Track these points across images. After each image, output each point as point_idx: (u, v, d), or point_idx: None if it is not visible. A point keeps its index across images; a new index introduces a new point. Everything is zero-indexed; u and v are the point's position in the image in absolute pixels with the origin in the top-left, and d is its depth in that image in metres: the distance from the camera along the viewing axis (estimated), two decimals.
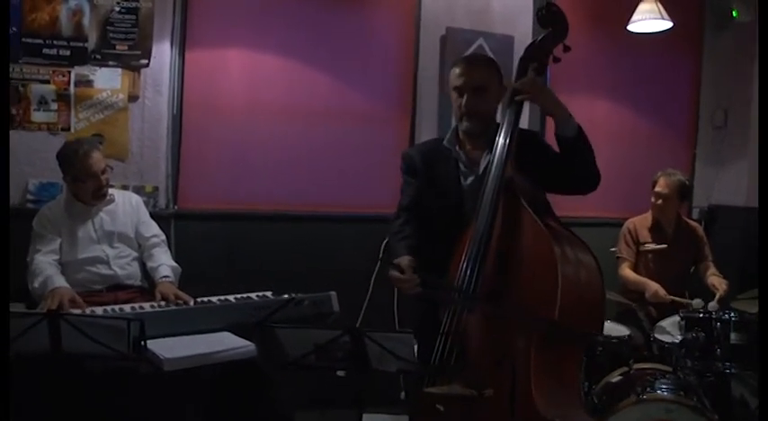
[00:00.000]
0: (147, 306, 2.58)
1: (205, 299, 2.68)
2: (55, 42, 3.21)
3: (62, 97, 3.23)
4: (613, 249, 3.63)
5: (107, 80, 3.29)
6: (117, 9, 3.28)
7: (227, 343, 2.39)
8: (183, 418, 2.52)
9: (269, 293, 2.75)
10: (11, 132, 3.05)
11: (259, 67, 3.58)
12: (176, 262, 2.94)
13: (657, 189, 3.54)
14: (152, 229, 2.99)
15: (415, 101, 3.84)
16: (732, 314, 2.86)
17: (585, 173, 2.20)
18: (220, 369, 2.38)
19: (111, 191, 2.92)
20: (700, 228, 3.70)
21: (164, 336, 2.34)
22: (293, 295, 2.66)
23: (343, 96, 3.74)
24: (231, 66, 3.54)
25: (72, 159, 2.78)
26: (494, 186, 2.09)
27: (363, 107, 3.78)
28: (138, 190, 3.31)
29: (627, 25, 3.82)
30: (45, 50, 3.19)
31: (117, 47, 3.29)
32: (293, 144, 3.65)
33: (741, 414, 3.12)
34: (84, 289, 2.74)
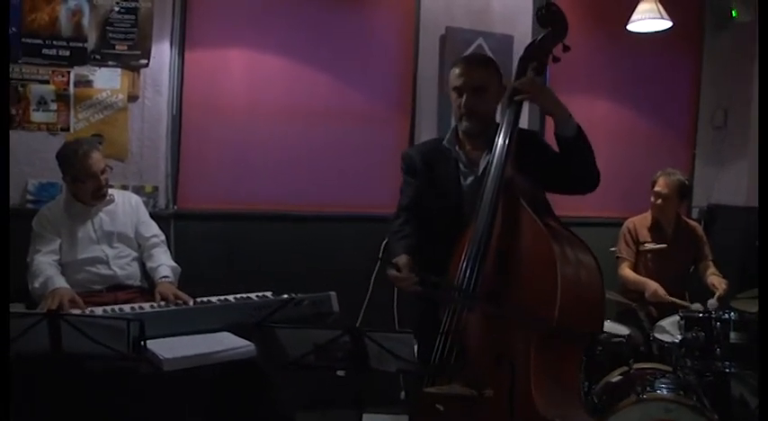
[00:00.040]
0: (146, 306, 2.58)
1: (205, 299, 2.68)
2: (54, 42, 3.21)
3: (61, 97, 3.23)
4: (613, 249, 3.63)
5: (106, 80, 3.29)
6: (116, 9, 3.28)
7: (226, 343, 2.39)
8: (183, 418, 2.53)
9: (269, 293, 2.75)
10: (10, 132, 3.05)
11: (259, 67, 3.58)
12: (176, 262, 2.94)
13: (657, 189, 3.54)
14: (152, 229, 2.99)
15: (415, 101, 3.84)
16: (732, 313, 2.86)
17: (585, 172, 2.20)
18: (220, 369, 2.38)
19: (110, 191, 2.92)
20: (699, 228, 3.70)
21: (163, 336, 2.34)
22: (293, 295, 2.66)
23: (343, 96, 3.74)
24: (231, 66, 3.54)
25: (71, 159, 2.78)
26: (493, 186, 2.09)
27: (363, 107, 3.78)
28: (138, 190, 3.31)
29: (626, 25, 3.82)
30: (44, 51, 3.19)
31: (116, 47, 3.29)
32: (293, 144, 3.65)
33: (741, 413, 3.12)
34: (84, 289, 2.73)
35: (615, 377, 2.83)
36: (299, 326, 2.12)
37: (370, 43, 3.79)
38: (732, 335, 2.81)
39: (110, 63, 3.29)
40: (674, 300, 3.28)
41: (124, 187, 3.25)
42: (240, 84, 3.55)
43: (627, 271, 3.55)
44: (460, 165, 2.33)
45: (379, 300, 3.54)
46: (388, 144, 3.76)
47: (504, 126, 2.17)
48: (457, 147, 2.33)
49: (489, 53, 3.73)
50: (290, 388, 2.74)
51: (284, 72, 3.62)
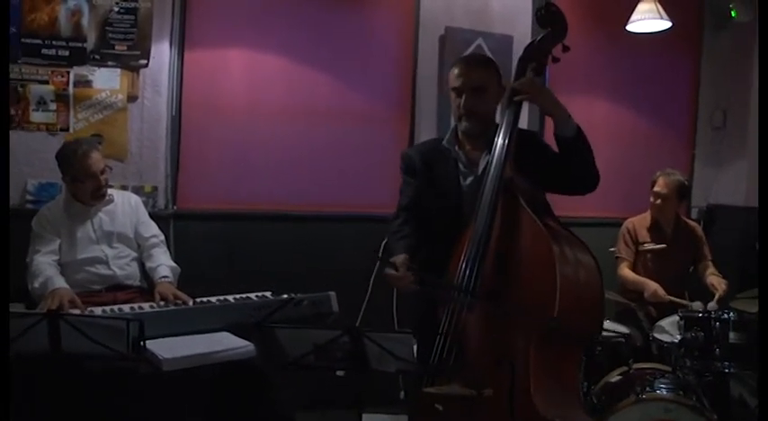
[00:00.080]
0: (146, 306, 2.58)
1: (204, 299, 2.68)
2: (54, 43, 3.21)
3: (61, 97, 3.23)
4: (612, 249, 3.63)
5: (106, 80, 3.29)
6: (116, 9, 3.28)
7: (226, 343, 2.39)
8: (183, 418, 2.52)
9: (268, 293, 2.75)
10: (10, 133, 3.05)
11: (259, 67, 3.58)
12: (175, 262, 2.94)
13: (656, 189, 3.54)
14: (151, 230, 2.99)
15: (415, 101, 3.84)
16: (731, 313, 2.86)
17: (585, 173, 2.20)
18: (219, 369, 2.38)
19: (110, 191, 2.91)
20: (699, 228, 3.71)
21: (163, 336, 2.34)
22: (292, 295, 2.66)
23: (343, 96, 3.74)
24: (231, 66, 3.54)
25: (71, 159, 2.78)
26: (493, 187, 2.10)
27: (363, 107, 3.78)
28: (138, 190, 3.31)
29: (626, 25, 3.82)
30: (44, 51, 3.19)
31: (116, 47, 3.29)
32: (293, 144, 3.65)
33: (740, 413, 3.13)
34: (84, 289, 2.73)
35: (614, 377, 2.84)
36: (298, 327, 2.12)
37: (370, 43, 3.79)
38: (731, 335, 2.82)
39: (109, 63, 3.29)
40: (673, 298, 3.29)
41: (124, 187, 3.25)
42: (240, 84, 3.55)
43: (626, 271, 3.55)
44: (460, 166, 2.33)
45: (378, 300, 3.54)
46: (388, 144, 3.76)
47: (503, 126, 2.18)
48: (456, 148, 2.33)
49: (489, 53, 3.73)
50: (289, 388, 2.74)
51: (284, 72, 3.62)
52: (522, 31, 3.92)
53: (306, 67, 3.66)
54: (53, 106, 3.22)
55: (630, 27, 3.82)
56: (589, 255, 2.06)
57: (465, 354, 2.06)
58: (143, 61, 3.34)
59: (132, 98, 3.35)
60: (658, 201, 3.54)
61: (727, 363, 2.81)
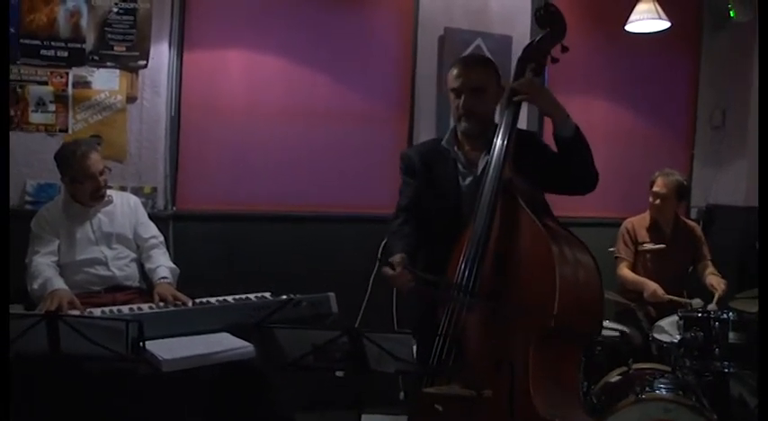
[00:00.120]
0: (145, 307, 2.58)
1: (203, 300, 2.68)
2: (53, 43, 3.21)
3: (60, 98, 3.23)
4: (612, 249, 3.64)
5: (105, 81, 3.29)
6: (115, 10, 3.28)
7: (225, 344, 2.39)
8: (182, 419, 2.52)
9: (267, 294, 2.75)
10: (9, 133, 3.05)
11: (258, 67, 3.58)
12: (175, 263, 2.94)
13: (655, 189, 3.55)
14: (150, 230, 2.99)
15: (414, 101, 3.84)
16: (731, 313, 2.86)
17: (584, 173, 2.21)
18: (219, 370, 2.38)
19: (109, 192, 2.91)
20: (698, 228, 3.71)
21: (162, 337, 2.33)
22: (292, 296, 2.66)
23: (343, 97, 3.74)
24: (230, 66, 3.54)
25: (70, 160, 2.77)
26: (492, 187, 2.09)
27: (362, 107, 3.78)
28: (137, 191, 3.31)
29: (625, 25, 3.82)
30: (43, 51, 3.19)
31: (115, 48, 3.29)
32: (292, 144, 3.65)
33: (740, 413, 3.13)
34: (83, 290, 2.73)
35: (614, 377, 2.84)
36: (297, 327, 2.12)
37: (370, 44, 3.79)
38: (731, 335, 2.81)
39: (108, 64, 3.29)
40: (673, 298, 3.29)
41: (123, 188, 3.25)
42: (239, 84, 3.55)
43: (625, 271, 3.55)
44: (459, 166, 2.32)
45: (378, 300, 3.54)
46: (387, 144, 3.76)
47: (502, 126, 2.17)
48: (456, 148, 2.33)
49: (488, 54, 3.73)
50: (288, 388, 2.74)
51: (283, 73, 3.62)
52: (521, 31, 3.92)
53: (305, 68, 3.66)
54: (52, 107, 3.22)
55: (629, 27, 3.82)
56: (588, 256, 2.06)
57: (464, 355, 2.06)
58: (142, 62, 3.34)
59: (131, 99, 3.35)
60: (657, 201, 3.54)
61: (726, 363, 2.81)
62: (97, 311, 2.50)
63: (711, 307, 3.03)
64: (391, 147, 3.71)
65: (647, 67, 4.30)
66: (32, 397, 2.26)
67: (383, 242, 3.03)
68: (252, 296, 2.72)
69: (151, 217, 3.08)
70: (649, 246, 3.56)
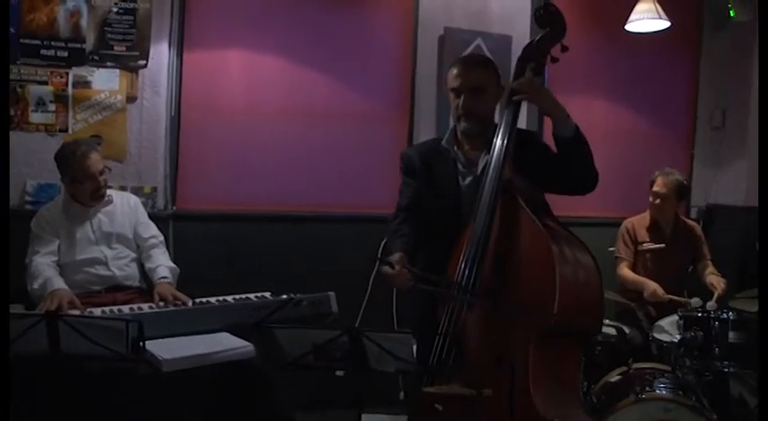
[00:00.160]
0: (145, 307, 2.58)
1: (203, 299, 2.68)
2: (53, 43, 3.21)
3: (60, 98, 3.23)
4: (612, 249, 3.63)
5: (105, 81, 3.29)
6: (115, 10, 3.28)
7: (225, 343, 2.39)
8: (182, 419, 2.52)
9: (267, 294, 2.75)
10: (9, 133, 3.05)
11: (258, 67, 3.58)
12: (175, 263, 2.94)
13: (655, 188, 3.54)
14: (150, 230, 2.99)
15: (414, 101, 3.85)
16: (730, 313, 2.86)
17: (583, 173, 2.20)
18: (219, 369, 2.38)
19: (109, 192, 2.92)
20: (698, 228, 3.71)
21: (162, 337, 2.34)
22: (292, 296, 2.66)
23: (342, 97, 3.74)
24: (230, 66, 3.54)
25: (70, 160, 2.77)
26: (492, 187, 2.09)
27: (362, 107, 3.78)
28: (137, 191, 3.31)
29: (625, 25, 3.82)
30: (43, 51, 3.19)
31: (115, 48, 3.29)
32: (292, 144, 3.65)
33: (740, 413, 3.13)
34: (83, 290, 2.73)
35: (614, 377, 2.84)
36: (297, 327, 2.12)
37: (369, 44, 3.79)
38: (731, 334, 2.81)
39: (108, 64, 3.29)
40: (672, 298, 3.29)
41: (123, 188, 3.25)
42: (239, 84, 3.55)
43: (625, 271, 3.55)
44: (459, 166, 2.32)
45: (378, 300, 3.54)
46: (387, 144, 3.76)
47: (502, 126, 2.17)
48: (455, 148, 2.33)
49: (488, 53, 3.73)
50: (288, 388, 2.74)
51: (283, 72, 3.62)
52: (520, 31, 3.92)
53: (305, 68, 3.66)
54: (52, 107, 3.22)
55: (629, 27, 3.82)
56: (588, 255, 2.06)
57: (464, 354, 2.06)
58: (142, 62, 3.34)
59: (131, 99, 3.35)
60: (657, 201, 3.54)
61: (726, 363, 2.81)
62: (97, 311, 2.50)
63: (711, 305, 3.03)
64: (391, 147, 3.71)
65: (647, 67, 4.30)
66: (32, 397, 2.26)
67: (383, 242, 3.03)
68: (252, 296, 2.72)
69: (151, 217, 3.08)
70: (649, 245, 3.56)
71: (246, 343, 2.39)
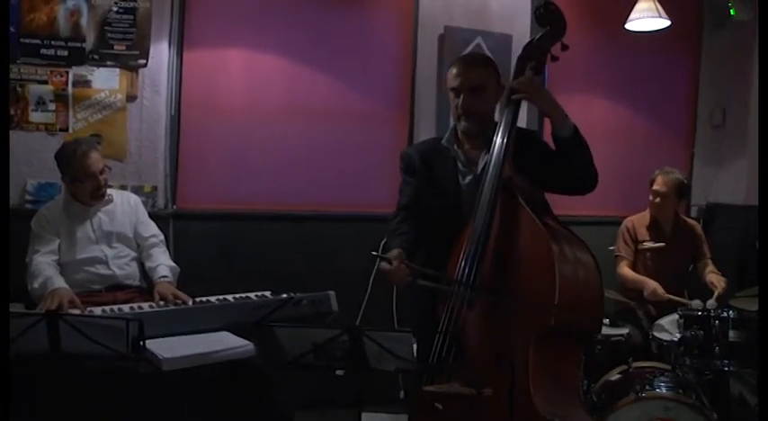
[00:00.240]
0: (145, 306, 2.59)
1: (204, 298, 2.68)
2: (53, 42, 3.21)
3: (60, 97, 3.23)
4: (612, 248, 3.63)
5: (105, 80, 3.29)
6: (115, 9, 3.28)
7: (225, 342, 2.39)
8: (182, 418, 2.52)
9: (268, 293, 2.76)
10: (9, 133, 3.05)
11: (258, 67, 3.58)
12: (175, 262, 2.94)
13: (655, 187, 3.55)
14: (150, 229, 2.99)
15: (414, 100, 3.84)
16: (731, 312, 2.86)
17: (583, 173, 2.20)
18: (219, 368, 2.38)
19: (109, 191, 2.92)
20: (698, 227, 3.71)
21: (162, 336, 2.34)
22: (292, 295, 2.66)
23: (342, 96, 3.74)
24: (230, 66, 3.54)
25: (70, 159, 2.78)
26: (491, 186, 2.09)
27: (362, 107, 3.78)
28: (137, 190, 3.31)
29: (625, 24, 3.82)
30: (43, 51, 3.19)
31: (115, 47, 3.29)
32: (292, 144, 3.65)
33: (740, 412, 3.13)
34: (83, 289, 2.73)
35: (614, 376, 2.84)
36: (297, 326, 2.12)
37: (369, 43, 3.79)
38: (731, 333, 2.81)
39: (108, 63, 3.29)
40: (672, 297, 3.29)
41: (123, 187, 3.25)
42: (239, 84, 3.55)
43: (626, 269, 3.55)
44: (459, 165, 2.32)
45: (378, 299, 3.54)
46: (387, 144, 3.76)
47: (502, 125, 2.17)
48: (455, 147, 2.33)
49: (488, 52, 3.73)
50: (289, 387, 2.74)
51: (283, 72, 3.62)
52: (520, 29, 3.92)
53: (305, 67, 3.66)
54: (52, 106, 3.22)
55: (629, 25, 3.82)
56: (588, 254, 2.06)
57: (464, 353, 2.07)
58: (142, 61, 3.34)
59: (131, 98, 3.35)
60: (657, 200, 3.54)
61: (726, 362, 2.81)
62: (98, 310, 2.50)
63: (711, 303, 3.03)
64: (391, 146, 3.71)
65: (647, 66, 4.30)
66: (32, 396, 2.26)
67: (383, 241, 3.02)
68: (252, 295, 2.72)
69: (151, 216, 3.08)
70: (649, 244, 3.56)
71: (246, 342, 2.39)
